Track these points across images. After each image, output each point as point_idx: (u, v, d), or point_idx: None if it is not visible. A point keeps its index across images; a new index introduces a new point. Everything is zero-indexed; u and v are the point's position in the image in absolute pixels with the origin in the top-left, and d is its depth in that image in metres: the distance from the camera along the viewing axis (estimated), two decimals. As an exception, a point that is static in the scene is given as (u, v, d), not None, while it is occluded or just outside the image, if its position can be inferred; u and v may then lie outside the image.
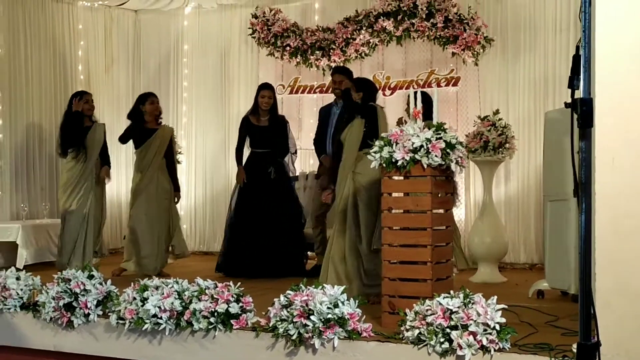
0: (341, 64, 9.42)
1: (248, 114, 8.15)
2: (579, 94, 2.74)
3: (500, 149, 7.43)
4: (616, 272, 2.86)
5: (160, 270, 7.86)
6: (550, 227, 6.23)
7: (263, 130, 7.99)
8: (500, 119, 7.59)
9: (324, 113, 7.90)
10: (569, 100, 2.83)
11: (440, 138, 4.68)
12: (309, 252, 8.32)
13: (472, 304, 4.13)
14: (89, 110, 7.97)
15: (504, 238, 7.75)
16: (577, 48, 2.58)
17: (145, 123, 8.02)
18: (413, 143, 4.67)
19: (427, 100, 6.58)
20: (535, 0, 8.76)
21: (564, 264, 6.00)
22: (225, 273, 7.77)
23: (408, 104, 7.41)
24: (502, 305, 4.13)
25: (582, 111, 2.52)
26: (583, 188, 2.55)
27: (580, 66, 2.57)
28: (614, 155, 2.91)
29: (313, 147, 8.00)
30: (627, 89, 3.14)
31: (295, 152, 8.37)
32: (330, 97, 8.29)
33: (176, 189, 8.17)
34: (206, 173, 10.60)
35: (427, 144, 4.65)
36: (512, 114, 8.63)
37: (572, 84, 2.58)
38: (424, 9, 8.93)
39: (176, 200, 8.17)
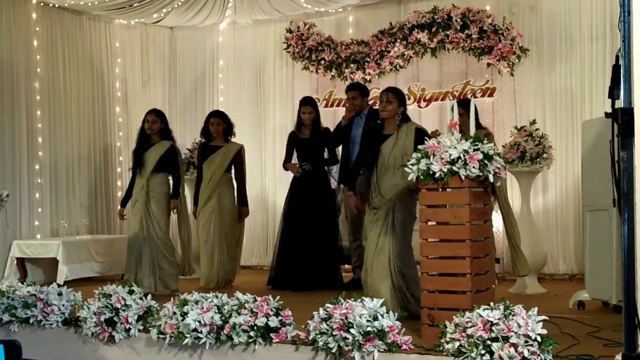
0: (376, 77, 9.46)
1: (294, 128, 8.30)
2: (619, 103, 2.73)
3: (538, 159, 7.40)
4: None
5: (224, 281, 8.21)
6: (590, 238, 6.18)
7: (305, 143, 8.14)
8: (537, 129, 7.55)
9: (344, 128, 8.00)
10: (607, 110, 2.81)
11: (478, 149, 4.66)
12: (346, 265, 8.37)
13: (513, 315, 4.10)
14: (149, 129, 7.99)
15: (542, 249, 7.70)
16: (617, 58, 2.56)
17: (212, 140, 8.41)
18: (450, 155, 4.66)
19: (468, 107, 6.50)
20: (570, 9, 8.70)
21: (605, 275, 5.95)
22: (274, 286, 7.90)
23: (460, 113, 7.34)
24: (543, 317, 4.10)
25: (623, 121, 2.50)
26: (625, 198, 2.52)
27: (620, 76, 2.55)
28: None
29: None
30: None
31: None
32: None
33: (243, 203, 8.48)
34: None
35: (464, 156, 4.64)
36: (549, 124, 8.56)
37: (612, 94, 2.56)
38: (458, 20, 8.91)
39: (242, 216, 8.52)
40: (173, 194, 7.91)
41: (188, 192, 8.86)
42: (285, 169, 8.33)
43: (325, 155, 8.21)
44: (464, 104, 6.31)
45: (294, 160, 8.27)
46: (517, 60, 8.78)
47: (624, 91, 2.55)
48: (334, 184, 8.44)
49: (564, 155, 8.51)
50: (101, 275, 8.94)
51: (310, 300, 6.06)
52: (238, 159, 8.44)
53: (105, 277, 8.50)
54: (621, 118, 2.51)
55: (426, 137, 5.50)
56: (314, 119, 8.12)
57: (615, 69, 2.55)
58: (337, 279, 7.98)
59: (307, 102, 8.23)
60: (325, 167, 8.26)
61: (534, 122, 7.64)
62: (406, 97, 9.24)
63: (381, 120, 6.24)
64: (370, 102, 8.46)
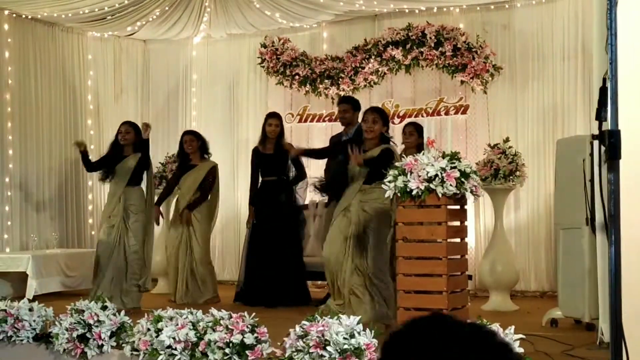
0: (350, 93, 9.47)
1: (257, 143, 8.25)
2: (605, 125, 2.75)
3: (511, 177, 7.46)
4: (634, 302, 2.84)
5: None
6: (563, 256, 6.23)
7: (269, 158, 8.08)
8: (510, 147, 7.62)
9: (335, 142, 7.95)
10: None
11: (455, 167, 4.69)
12: (319, 282, 8.35)
13: (490, 333, 4.10)
14: (122, 140, 7.93)
15: (515, 266, 7.74)
16: (604, 80, 2.59)
17: (190, 160, 8.42)
18: (428, 172, 4.68)
19: (418, 130, 6.72)
20: (542, 28, 8.81)
21: (578, 293, 5.99)
22: (244, 302, 7.84)
23: (404, 132, 7.43)
24: (520, 335, 4.11)
25: (610, 143, 2.52)
26: (612, 220, 2.54)
27: (607, 98, 2.58)
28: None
29: (323, 176, 8.01)
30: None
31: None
32: (338, 126, 8.33)
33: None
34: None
35: (441, 173, 4.66)
36: (521, 142, 8.64)
37: (600, 116, 2.59)
38: (433, 37, 8.99)
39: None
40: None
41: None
42: (251, 188, 8.24)
43: (293, 171, 8.15)
44: (415, 125, 6.88)
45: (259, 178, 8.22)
46: (490, 78, 8.86)
47: (611, 113, 2.57)
48: (299, 200, 8.40)
49: (535, 173, 8.59)
50: (71, 289, 8.82)
51: (281, 316, 6.06)
52: (209, 177, 8.40)
53: (75, 292, 8.41)
54: (608, 140, 2.53)
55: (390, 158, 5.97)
56: (279, 133, 8.09)
57: (602, 91, 2.57)
58: (304, 295, 7.97)
59: (274, 115, 8.23)
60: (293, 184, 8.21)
61: (507, 140, 7.71)
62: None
63: (363, 139, 6.36)
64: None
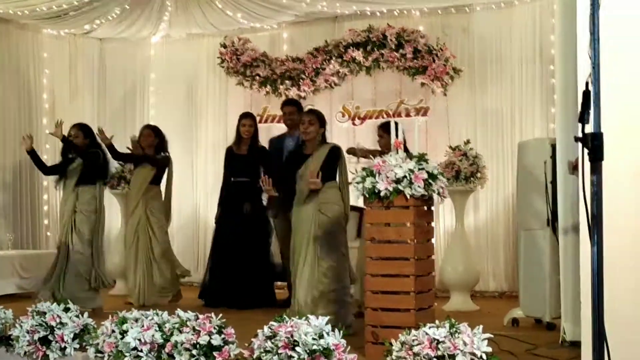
0: (311, 94, 9.50)
1: (232, 143, 8.22)
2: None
3: (472, 179, 7.53)
4: (609, 304, 2.89)
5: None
6: (525, 257, 6.32)
7: (241, 159, 8.03)
8: (471, 149, 7.69)
9: (277, 144, 8.02)
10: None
11: (423, 169, 4.72)
12: (279, 282, 8.34)
13: (459, 333, 4.14)
14: (75, 139, 7.80)
15: (475, 267, 7.83)
16: (587, 84, 2.64)
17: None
18: (396, 174, 4.70)
19: (388, 130, 6.73)
20: (501, 32, 8.92)
21: (539, 293, 6.08)
22: (206, 302, 7.82)
23: (380, 135, 7.49)
24: (488, 335, 4.15)
25: (593, 145, 2.57)
26: (594, 221, 2.59)
27: (590, 101, 2.63)
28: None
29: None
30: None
31: None
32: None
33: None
34: (173, 202, 10.48)
35: (410, 175, 4.69)
36: (481, 144, 8.71)
37: (583, 119, 2.63)
38: (393, 39, 9.04)
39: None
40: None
41: (108, 205, 8.60)
42: (222, 187, 8.22)
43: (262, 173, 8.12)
44: (384, 126, 6.83)
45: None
46: (450, 81, 8.95)
47: (594, 116, 2.62)
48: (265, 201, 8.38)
49: (494, 174, 8.69)
50: (27, 291, 8.67)
51: (247, 317, 6.04)
52: (162, 170, 8.30)
53: (30, 293, 8.26)
54: (591, 142, 2.58)
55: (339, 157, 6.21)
56: (253, 133, 8.06)
57: (585, 94, 2.62)
58: (270, 296, 7.95)
59: (247, 116, 8.21)
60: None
61: (468, 142, 7.79)
62: (341, 114, 9.48)
63: (302, 142, 6.48)
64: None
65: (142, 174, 8.21)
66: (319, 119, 6.44)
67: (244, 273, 7.79)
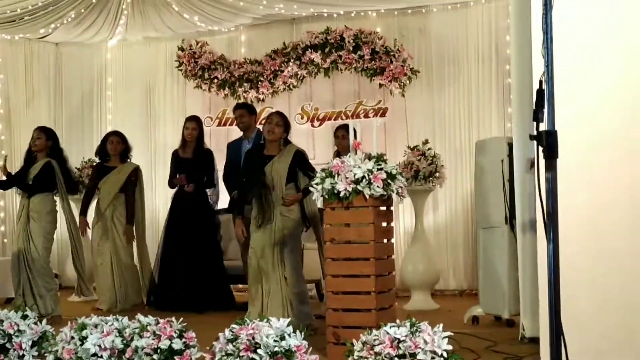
0: (269, 96, 9.51)
1: (177, 147, 8.21)
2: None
3: (431, 178, 7.59)
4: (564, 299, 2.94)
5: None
6: (484, 255, 6.38)
7: (187, 162, 8.04)
8: (429, 149, 7.76)
9: (234, 148, 8.02)
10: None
11: (382, 169, 4.75)
12: (240, 285, 8.33)
13: (419, 332, 4.17)
14: (33, 146, 7.68)
15: (436, 265, 7.89)
16: (540, 82, 2.68)
17: (108, 161, 8.22)
18: (355, 174, 4.72)
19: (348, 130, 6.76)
20: (457, 32, 9.01)
21: (498, 290, 6.14)
22: (156, 307, 7.72)
23: (338, 137, 7.54)
24: (448, 333, 4.18)
25: (548, 143, 2.61)
26: (550, 218, 2.62)
27: (544, 100, 2.66)
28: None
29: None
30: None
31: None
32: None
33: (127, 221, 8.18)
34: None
35: (368, 175, 4.71)
36: (439, 144, 8.79)
37: (537, 117, 2.67)
38: (351, 41, 9.10)
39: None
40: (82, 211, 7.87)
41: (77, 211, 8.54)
42: (173, 185, 8.18)
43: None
44: (344, 127, 6.93)
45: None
46: (408, 82, 9.02)
47: (548, 114, 2.66)
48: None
49: (453, 174, 8.77)
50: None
51: (207, 321, 6.01)
52: (131, 179, 8.25)
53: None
54: (546, 140, 2.61)
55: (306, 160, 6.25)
56: (197, 136, 8.06)
57: (539, 93, 2.66)
58: (227, 298, 7.95)
59: (192, 119, 8.22)
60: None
61: (426, 142, 7.84)
62: (300, 116, 9.50)
63: (263, 140, 6.43)
64: (263, 122, 8.45)
65: (111, 182, 8.14)
66: (285, 123, 6.44)
67: (196, 276, 7.77)
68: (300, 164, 6.27)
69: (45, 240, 7.51)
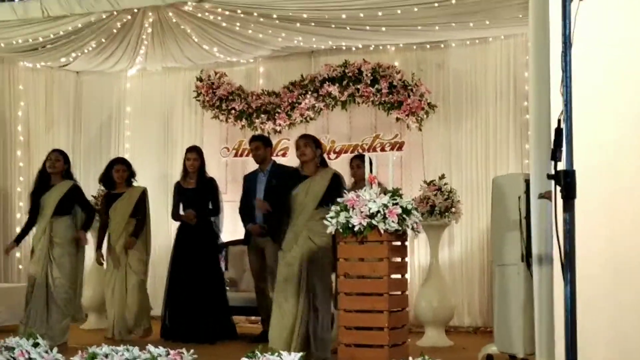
0: (286, 128, 9.52)
1: (180, 179, 8.28)
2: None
3: (447, 213, 7.55)
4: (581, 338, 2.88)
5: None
6: (499, 292, 6.30)
7: (190, 193, 8.11)
8: (446, 184, 7.72)
9: (250, 180, 8.05)
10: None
11: (397, 204, 4.72)
12: (253, 317, 8.31)
13: (432, 370, 4.12)
14: (50, 168, 7.71)
15: (450, 302, 7.81)
16: (559, 121, 2.66)
17: (115, 188, 8.22)
18: (370, 208, 4.70)
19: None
20: (476, 67, 8.99)
21: (514, 328, 6.06)
22: (167, 337, 7.75)
23: (358, 165, 7.52)
24: (462, 371, 4.14)
25: (566, 182, 2.57)
26: (567, 259, 2.58)
27: (562, 138, 2.63)
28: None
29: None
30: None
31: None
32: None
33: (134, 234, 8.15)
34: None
35: (384, 210, 4.69)
36: (455, 179, 8.75)
37: (555, 156, 2.64)
38: (369, 74, 9.11)
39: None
40: (83, 226, 7.70)
41: (90, 239, 8.53)
42: (178, 218, 8.23)
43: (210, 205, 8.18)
44: (360, 157, 7.00)
45: (180, 211, 8.22)
46: (425, 116, 9.00)
47: (566, 154, 2.63)
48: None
49: (469, 209, 8.70)
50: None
51: (216, 353, 5.99)
52: (141, 202, 8.25)
53: (1, 328, 8.13)
54: (564, 180, 2.58)
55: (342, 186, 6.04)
56: (199, 167, 8.11)
57: (557, 132, 2.63)
58: (229, 329, 7.97)
59: (192, 149, 8.28)
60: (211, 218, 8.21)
61: (442, 177, 7.81)
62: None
63: (300, 165, 6.48)
64: (279, 154, 8.50)
65: (121, 207, 8.14)
66: (314, 141, 6.52)
67: (201, 306, 7.78)
68: (337, 189, 6.11)
69: (70, 267, 7.52)
